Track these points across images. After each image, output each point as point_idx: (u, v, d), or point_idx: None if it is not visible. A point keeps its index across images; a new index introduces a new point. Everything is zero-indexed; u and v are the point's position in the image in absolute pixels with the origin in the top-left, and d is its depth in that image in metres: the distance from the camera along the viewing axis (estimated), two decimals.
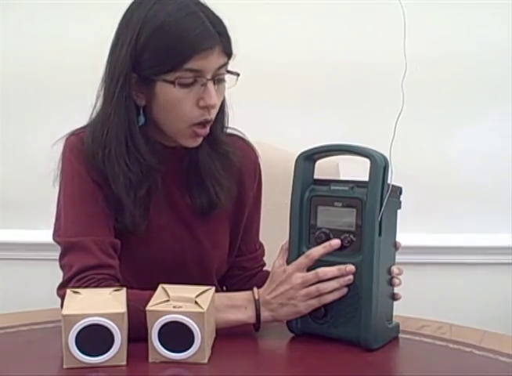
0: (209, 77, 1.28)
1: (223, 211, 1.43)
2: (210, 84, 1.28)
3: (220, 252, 1.46)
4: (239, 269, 1.52)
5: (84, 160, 1.33)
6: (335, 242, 1.23)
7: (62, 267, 1.30)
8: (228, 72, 1.32)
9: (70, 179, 1.34)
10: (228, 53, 1.30)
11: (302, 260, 1.24)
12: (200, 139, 1.35)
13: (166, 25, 1.26)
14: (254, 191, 1.50)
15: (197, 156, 1.39)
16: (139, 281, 1.32)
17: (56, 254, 1.32)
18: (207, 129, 1.33)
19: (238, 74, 1.32)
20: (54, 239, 1.35)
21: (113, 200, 1.32)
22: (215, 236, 1.45)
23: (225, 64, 1.31)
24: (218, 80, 1.30)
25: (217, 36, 1.27)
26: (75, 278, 1.26)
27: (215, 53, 1.27)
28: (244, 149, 1.48)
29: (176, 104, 1.29)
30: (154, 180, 1.35)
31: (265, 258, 1.54)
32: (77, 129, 1.39)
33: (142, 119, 1.33)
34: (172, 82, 1.27)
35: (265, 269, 1.52)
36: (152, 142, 1.35)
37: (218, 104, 1.33)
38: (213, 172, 1.40)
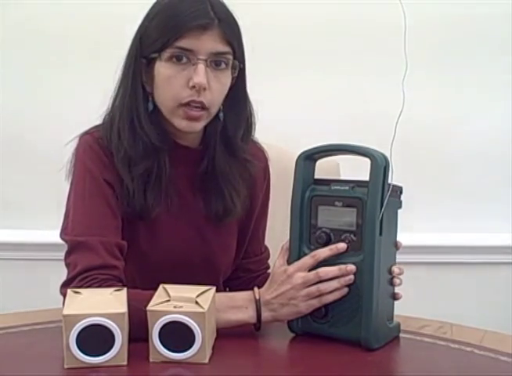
0: (201, 57, 1.28)
1: None
2: (201, 65, 1.28)
3: (228, 255, 1.47)
4: (244, 271, 1.52)
5: (98, 159, 1.33)
6: (341, 245, 1.22)
7: (67, 265, 1.30)
8: (235, 60, 1.31)
9: (82, 178, 1.33)
10: (230, 42, 1.30)
11: (307, 260, 1.24)
12: (196, 125, 1.33)
13: (168, 5, 1.30)
14: (263, 193, 1.51)
15: (213, 160, 1.39)
16: (146, 282, 1.31)
17: (57, 254, 1.33)
18: (201, 113, 1.31)
19: (241, 65, 1.33)
20: (61, 237, 1.34)
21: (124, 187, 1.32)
22: (224, 239, 1.45)
23: (226, 53, 1.30)
24: (214, 65, 1.30)
25: (214, 20, 1.28)
26: (79, 277, 1.26)
27: (209, 35, 1.28)
28: (256, 152, 1.48)
29: (167, 82, 1.30)
30: (158, 162, 1.34)
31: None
32: (91, 128, 1.39)
33: (150, 105, 1.34)
34: (165, 60, 1.29)
35: (268, 271, 1.52)
36: (159, 126, 1.35)
37: (217, 94, 1.31)
38: (230, 179, 1.40)
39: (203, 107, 1.31)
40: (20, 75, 2.15)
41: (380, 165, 1.20)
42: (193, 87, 1.28)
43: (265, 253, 1.55)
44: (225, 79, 1.33)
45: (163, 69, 1.30)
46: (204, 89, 1.29)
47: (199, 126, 1.34)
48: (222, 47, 1.30)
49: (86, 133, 1.38)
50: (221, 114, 1.37)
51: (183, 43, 1.27)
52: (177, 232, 1.39)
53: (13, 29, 2.13)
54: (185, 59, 1.28)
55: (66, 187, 1.37)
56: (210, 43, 1.28)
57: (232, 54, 1.32)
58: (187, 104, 1.30)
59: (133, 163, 1.32)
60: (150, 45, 1.31)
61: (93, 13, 2.10)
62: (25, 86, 2.15)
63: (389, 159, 1.20)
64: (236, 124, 1.37)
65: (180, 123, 1.33)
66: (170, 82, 1.30)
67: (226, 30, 1.29)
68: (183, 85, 1.29)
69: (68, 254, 1.31)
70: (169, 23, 1.28)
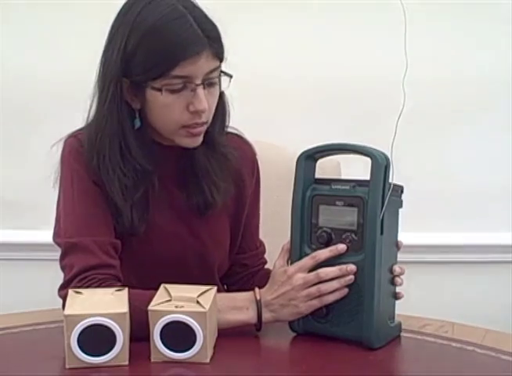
0: (198, 82, 1.26)
1: (223, 208, 1.43)
2: (200, 90, 1.27)
3: (221, 250, 1.47)
4: (240, 267, 1.52)
5: (83, 161, 1.33)
6: (341, 247, 1.22)
7: (63, 268, 1.30)
8: (222, 72, 1.31)
9: (70, 180, 1.34)
10: (220, 57, 1.29)
11: (307, 261, 1.24)
12: (199, 139, 1.34)
13: (153, 31, 1.25)
14: (253, 188, 1.50)
15: (193, 156, 1.39)
16: (141, 281, 1.32)
17: (57, 255, 1.32)
18: (203, 128, 1.32)
19: (231, 76, 1.31)
20: (54, 240, 1.35)
21: (111, 203, 1.32)
22: (215, 233, 1.45)
23: (217, 68, 1.29)
24: (208, 83, 1.29)
25: (205, 40, 1.25)
26: (76, 278, 1.26)
27: (203, 58, 1.25)
28: (242, 146, 1.48)
29: (165, 109, 1.29)
30: (151, 182, 1.35)
31: (266, 257, 1.54)
32: (76, 131, 1.38)
33: (138, 122, 1.33)
34: (159, 89, 1.26)
35: (266, 267, 1.52)
36: (148, 144, 1.34)
37: (212, 107, 1.32)
38: (209, 173, 1.39)
39: (203, 123, 1.31)
40: (20, 75, 2.15)
41: (381, 164, 1.20)
42: (195, 111, 1.28)
43: (260, 248, 1.55)
44: (217, 91, 1.33)
45: (158, 97, 1.27)
46: (204, 111, 1.29)
47: (200, 139, 1.34)
48: (214, 64, 1.28)
49: (71, 136, 1.37)
50: None
51: (178, 71, 1.24)
52: (167, 228, 1.39)
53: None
54: (181, 86, 1.26)
55: None
56: (204, 65, 1.26)
57: (220, 61, 1.30)
58: (189, 126, 1.30)
59: (129, 191, 1.32)
60: (140, 73, 1.26)
61: None
62: (25, 85, 2.15)
63: (390, 158, 1.21)
64: (214, 119, 1.36)
65: (182, 141, 1.33)
66: (169, 109, 1.28)
67: (216, 47, 1.27)
68: (183, 110, 1.28)
69: (63, 256, 1.31)
70: (161, 54, 1.24)
